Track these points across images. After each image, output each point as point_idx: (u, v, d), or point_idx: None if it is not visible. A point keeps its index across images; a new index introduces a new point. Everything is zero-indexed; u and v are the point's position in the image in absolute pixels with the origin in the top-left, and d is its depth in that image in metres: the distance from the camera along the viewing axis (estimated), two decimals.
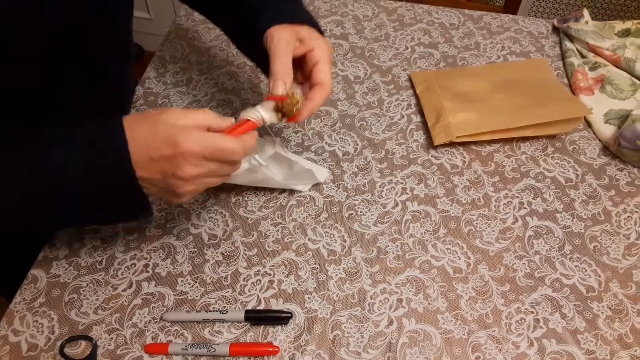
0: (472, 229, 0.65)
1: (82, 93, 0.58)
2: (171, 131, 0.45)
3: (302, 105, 0.54)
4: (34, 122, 0.46)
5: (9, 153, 0.44)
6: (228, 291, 0.59)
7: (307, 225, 0.65)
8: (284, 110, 0.53)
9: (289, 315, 0.57)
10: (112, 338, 0.55)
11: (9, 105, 0.49)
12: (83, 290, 0.59)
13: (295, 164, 0.64)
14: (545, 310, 0.59)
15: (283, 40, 0.53)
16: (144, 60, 1.91)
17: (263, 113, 0.52)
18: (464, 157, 0.72)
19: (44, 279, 0.59)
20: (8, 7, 0.44)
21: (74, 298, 0.58)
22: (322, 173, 0.69)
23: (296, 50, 0.54)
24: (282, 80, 0.52)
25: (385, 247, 0.63)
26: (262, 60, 0.56)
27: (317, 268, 0.62)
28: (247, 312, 0.57)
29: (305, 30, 0.56)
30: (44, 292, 0.58)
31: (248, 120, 0.52)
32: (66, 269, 0.60)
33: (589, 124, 0.77)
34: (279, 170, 0.65)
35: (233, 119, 0.51)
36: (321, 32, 0.58)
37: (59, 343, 0.55)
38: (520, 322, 0.58)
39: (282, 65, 0.52)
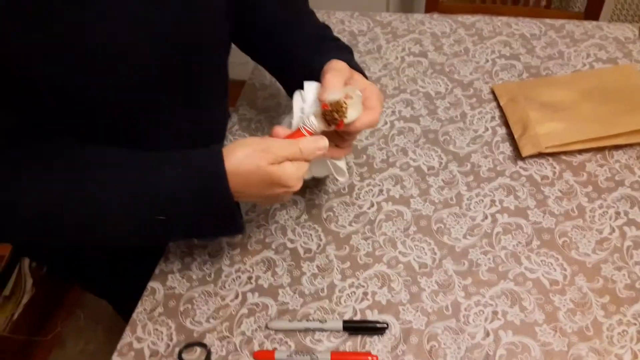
0: (567, 241, 0.65)
1: (183, 128, 0.64)
2: (280, 175, 0.52)
3: (357, 111, 0.56)
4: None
5: (113, 174, 0.51)
6: (325, 302, 0.63)
7: (397, 238, 0.68)
8: (327, 119, 0.55)
9: (385, 325, 0.60)
10: (223, 345, 0.60)
11: (112, 140, 0.55)
12: (195, 301, 0.64)
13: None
14: None
15: (339, 66, 0.57)
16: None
17: (316, 123, 0.55)
18: (554, 168, 0.72)
19: (161, 291, 0.65)
20: (122, 53, 0.51)
21: (188, 308, 0.64)
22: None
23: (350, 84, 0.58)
24: (332, 89, 0.55)
25: (477, 259, 0.64)
26: None
27: (409, 280, 0.64)
28: (345, 322, 0.60)
29: (358, 75, 0.60)
30: (161, 303, 0.64)
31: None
32: (180, 281, 0.66)
33: None
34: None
35: (326, 142, 0.55)
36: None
37: (176, 349, 0.60)
38: (622, 334, 0.57)
39: (333, 77, 0.55)
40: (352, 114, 0.55)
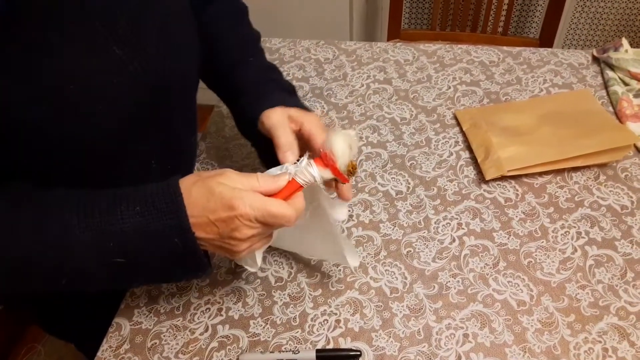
0: (531, 261, 0.66)
1: (154, 162, 0.63)
2: (227, 194, 0.48)
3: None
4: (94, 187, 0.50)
5: (65, 217, 0.48)
6: (298, 331, 0.62)
7: (368, 264, 0.68)
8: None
9: (358, 353, 0.59)
10: None
11: (81, 178, 0.54)
12: (164, 336, 0.62)
13: (335, 237, 0.61)
14: (613, 339, 0.59)
15: (276, 118, 0.58)
16: None
17: (318, 179, 0.52)
18: (517, 190, 0.74)
19: (127, 327, 0.63)
20: (98, 97, 0.50)
21: (155, 343, 0.62)
22: (354, 259, 0.63)
23: (291, 126, 0.58)
24: (290, 151, 0.55)
25: (447, 282, 0.65)
26: (261, 146, 0.60)
27: (381, 306, 0.64)
28: (317, 351, 0.60)
29: (293, 110, 0.60)
30: (128, 339, 0.62)
31: (297, 182, 0.52)
32: (147, 315, 0.64)
33: (639, 151, 0.78)
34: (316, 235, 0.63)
35: (287, 176, 0.52)
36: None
37: None
38: (588, 352, 0.58)
39: (285, 137, 0.56)
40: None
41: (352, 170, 0.53)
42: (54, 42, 0.46)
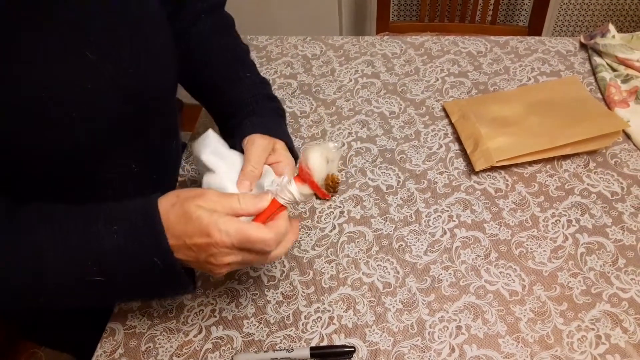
0: (523, 251, 0.66)
1: (134, 165, 0.63)
2: (204, 220, 0.47)
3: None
4: (74, 198, 0.50)
5: (42, 235, 0.47)
6: (291, 330, 0.62)
7: (360, 259, 0.68)
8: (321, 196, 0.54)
9: (352, 349, 0.59)
10: None
11: (61, 177, 0.54)
12: (158, 339, 0.62)
13: None
14: (606, 326, 0.59)
15: (260, 147, 0.58)
16: (183, 112, 2.01)
17: (297, 196, 0.51)
18: (507, 180, 0.74)
19: (121, 331, 0.63)
20: (76, 106, 0.50)
21: (150, 347, 0.62)
22: None
23: (269, 158, 0.59)
24: (248, 181, 0.56)
25: (439, 275, 0.65)
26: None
27: (374, 301, 0.64)
28: (311, 349, 0.60)
29: (279, 144, 0.61)
30: (122, 344, 0.62)
31: (278, 201, 0.51)
32: (140, 319, 0.64)
33: (628, 136, 0.78)
34: None
35: (269, 196, 0.51)
36: (292, 149, 0.65)
37: None
38: (582, 340, 0.58)
39: (252, 169, 0.57)
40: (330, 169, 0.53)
41: (331, 185, 0.52)
42: (25, 48, 0.45)
